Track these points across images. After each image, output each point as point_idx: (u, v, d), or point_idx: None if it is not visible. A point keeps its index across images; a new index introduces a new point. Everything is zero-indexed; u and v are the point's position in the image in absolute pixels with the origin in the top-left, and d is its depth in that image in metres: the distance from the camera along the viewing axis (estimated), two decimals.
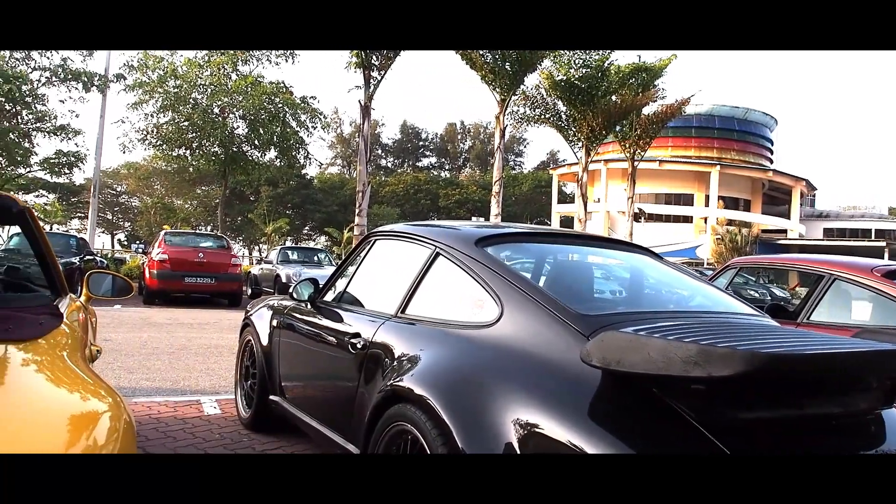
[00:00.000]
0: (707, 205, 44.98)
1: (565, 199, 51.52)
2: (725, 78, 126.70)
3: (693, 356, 1.50)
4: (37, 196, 36.03)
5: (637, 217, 27.67)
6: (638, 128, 23.70)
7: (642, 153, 25.19)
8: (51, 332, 1.57)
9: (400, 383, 2.15)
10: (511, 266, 2.42)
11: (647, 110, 23.60)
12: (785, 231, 46.65)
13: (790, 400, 1.68)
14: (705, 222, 43.50)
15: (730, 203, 45.96)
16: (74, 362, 1.51)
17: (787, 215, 48.02)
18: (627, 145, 24.49)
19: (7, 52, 17.37)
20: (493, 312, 2.15)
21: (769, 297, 10.64)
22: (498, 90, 19.60)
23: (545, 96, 21.99)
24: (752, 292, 9.98)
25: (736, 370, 1.44)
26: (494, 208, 19.98)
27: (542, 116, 22.50)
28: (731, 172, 45.92)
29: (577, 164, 24.69)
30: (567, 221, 46.45)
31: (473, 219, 31.54)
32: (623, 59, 28.01)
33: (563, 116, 22.23)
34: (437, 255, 2.57)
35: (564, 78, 20.95)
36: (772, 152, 53.43)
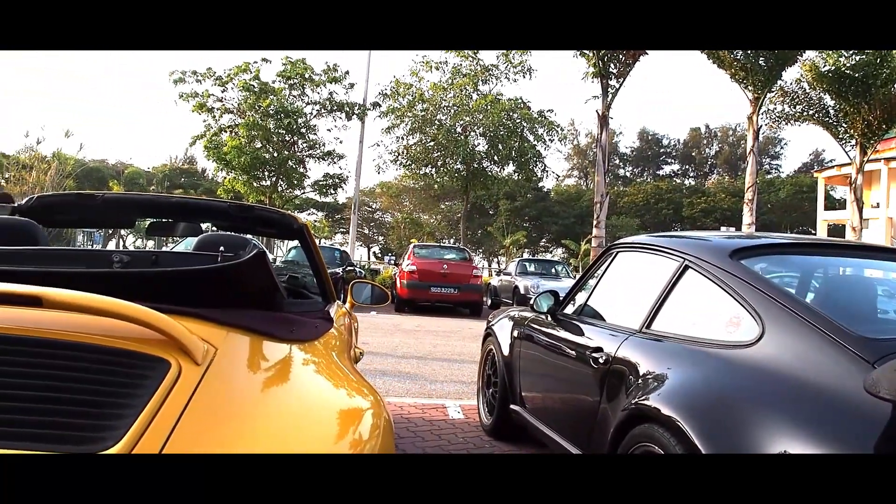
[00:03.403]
0: None
1: (834, 205, 45.42)
2: None
3: None
4: (308, 214, 41.28)
5: None
6: None
7: None
8: (324, 334, 1.75)
9: (646, 402, 2.04)
10: (772, 280, 2.18)
11: None
12: None
13: None
14: None
15: None
16: (343, 363, 1.68)
17: None
18: None
19: (287, 91, 20.23)
20: (753, 332, 1.95)
21: None
22: (750, 88, 18.00)
23: (807, 90, 19.66)
24: None
25: None
26: (747, 217, 18.32)
27: (805, 113, 20.10)
28: None
29: (848, 164, 21.63)
30: (836, 230, 40.92)
31: (723, 229, 29.25)
32: None
33: (831, 111, 19.64)
34: (686, 267, 2.41)
35: (832, 68, 18.53)
36: None
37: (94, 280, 1.29)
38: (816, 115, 19.94)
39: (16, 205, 2.47)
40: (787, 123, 20.88)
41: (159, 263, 2.28)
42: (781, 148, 61.26)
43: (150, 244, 24.71)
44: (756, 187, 18.82)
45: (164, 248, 13.44)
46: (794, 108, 20.09)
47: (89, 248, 17.28)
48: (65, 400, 0.92)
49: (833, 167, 44.80)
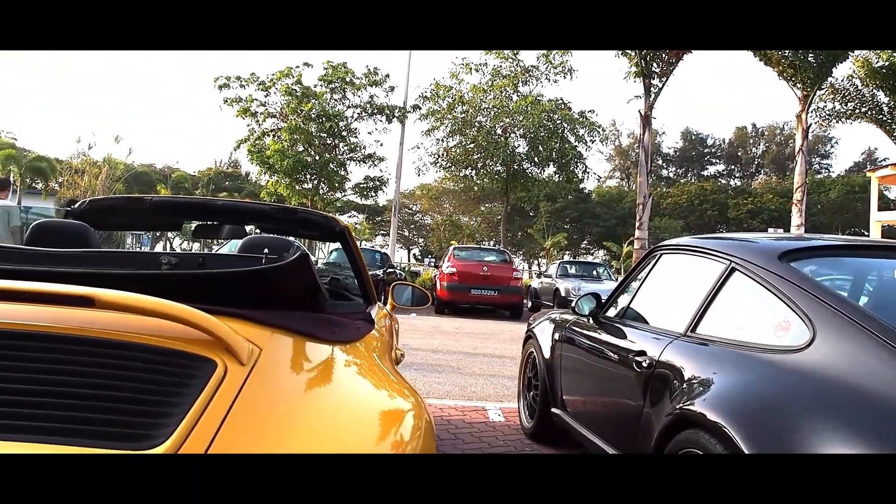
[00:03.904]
0: None
1: (888, 205, 43.67)
2: None
3: None
4: (350, 217, 41.71)
5: None
6: None
7: None
8: (365, 336, 1.77)
9: (691, 407, 2.00)
10: (824, 283, 2.11)
11: None
12: None
13: None
14: None
15: None
16: (384, 364, 1.68)
17: None
18: None
19: (328, 95, 20.44)
20: (803, 336, 1.89)
21: None
22: (799, 85, 17.51)
23: (860, 87, 19.03)
24: None
25: None
26: (796, 218, 17.83)
27: (856, 111, 19.46)
28: None
29: None
30: (891, 232, 39.44)
31: (771, 230, 28.48)
32: None
33: (885, 108, 18.97)
34: (733, 270, 2.36)
35: (886, 64, 17.90)
36: None
37: (144, 281, 1.33)
38: (869, 113, 19.30)
39: (69, 208, 2.56)
40: (837, 121, 20.25)
41: (206, 265, 2.33)
42: (832, 147, 59.34)
43: (196, 246, 25.29)
44: (805, 187, 18.30)
45: (205, 250, 13.74)
46: (846, 105, 19.48)
47: (138, 250, 17.77)
48: (115, 398, 0.95)
49: (887, 166, 43.02)
